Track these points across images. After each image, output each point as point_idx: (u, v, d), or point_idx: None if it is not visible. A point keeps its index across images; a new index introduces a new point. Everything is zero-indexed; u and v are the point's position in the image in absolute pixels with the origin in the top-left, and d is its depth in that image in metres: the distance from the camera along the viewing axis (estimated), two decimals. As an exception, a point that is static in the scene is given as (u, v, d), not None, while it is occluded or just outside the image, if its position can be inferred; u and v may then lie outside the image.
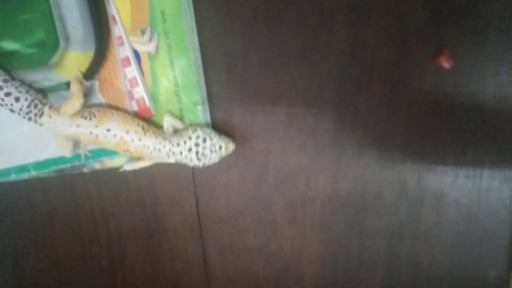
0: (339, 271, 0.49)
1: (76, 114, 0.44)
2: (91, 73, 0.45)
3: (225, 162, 0.48)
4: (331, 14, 0.43)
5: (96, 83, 0.47)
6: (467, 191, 0.44)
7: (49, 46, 0.42)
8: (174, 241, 0.52)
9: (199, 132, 0.43)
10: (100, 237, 0.53)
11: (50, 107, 0.44)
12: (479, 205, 0.44)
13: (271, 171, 0.48)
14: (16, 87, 0.43)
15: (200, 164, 0.44)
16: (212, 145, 0.43)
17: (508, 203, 0.44)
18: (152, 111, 0.47)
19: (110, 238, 0.53)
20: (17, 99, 0.43)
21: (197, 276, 0.52)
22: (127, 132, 0.44)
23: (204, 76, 0.47)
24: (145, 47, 0.46)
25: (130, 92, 0.47)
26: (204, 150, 0.43)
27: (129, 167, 0.47)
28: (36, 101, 0.43)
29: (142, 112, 0.47)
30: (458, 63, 0.42)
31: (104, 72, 0.47)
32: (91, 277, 0.54)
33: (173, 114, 0.46)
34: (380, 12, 0.42)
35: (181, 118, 0.47)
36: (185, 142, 0.43)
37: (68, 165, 0.49)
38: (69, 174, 0.50)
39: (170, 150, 0.44)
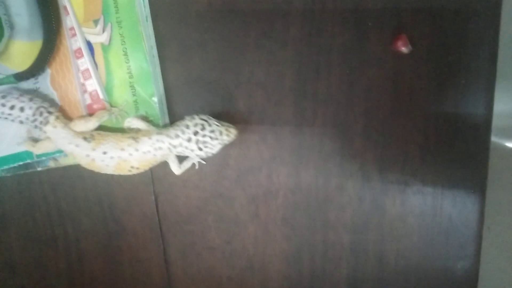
0: (304, 268, 0.47)
1: (80, 133, 0.43)
2: (40, 64, 0.43)
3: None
4: (287, 0, 0.42)
5: (47, 76, 0.45)
6: (430, 180, 0.43)
7: (-7, 36, 0.40)
8: (134, 242, 0.50)
9: (197, 119, 0.41)
10: (57, 239, 0.51)
11: (57, 118, 0.43)
12: (444, 195, 0.43)
13: (231, 165, 0.46)
14: (17, 98, 0.43)
15: (203, 153, 0.41)
16: (212, 131, 0.40)
17: (473, 191, 0.42)
18: (106, 104, 0.45)
19: (68, 240, 0.51)
20: (22, 109, 0.42)
21: (158, 277, 0.50)
22: (122, 149, 0.42)
23: (160, 67, 0.45)
24: (98, 38, 0.45)
25: (83, 85, 0.45)
26: (204, 137, 0.40)
27: (178, 171, 0.45)
28: (42, 109, 0.43)
29: (95, 104, 0.45)
30: (416, 47, 0.41)
31: (55, 64, 0.45)
32: (48, 282, 0.52)
33: (138, 117, 0.44)
34: (336, -3, 0.41)
35: (136, 110, 0.45)
36: (183, 132, 0.41)
37: (21, 163, 0.47)
38: (23, 174, 0.48)
39: (170, 143, 0.41)
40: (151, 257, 0.49)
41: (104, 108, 0.45)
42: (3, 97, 0.43)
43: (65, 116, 0.44)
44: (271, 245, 0.47)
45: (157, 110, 0.45)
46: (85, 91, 0.45)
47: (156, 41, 0.45)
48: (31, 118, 0.43)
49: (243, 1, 0.43)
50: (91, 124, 0.43)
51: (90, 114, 0.45)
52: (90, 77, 0.45)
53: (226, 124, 0.41)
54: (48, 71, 0.45)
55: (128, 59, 0.44)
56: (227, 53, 0.44)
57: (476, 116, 0.42)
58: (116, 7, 0.44)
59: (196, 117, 0.41)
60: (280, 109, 0.44)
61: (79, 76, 0.45)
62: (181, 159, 0.44)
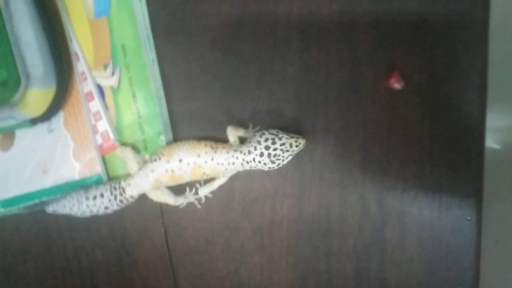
0: (309, 296, 0.48)
1: (144, 163, 0.46)
2: (54, 108, 0.46)
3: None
4: (285, 41, 0.45)
5: (61, 118, 0.48)
6: (428, 209, 0.45)
7: (11, 85, 0.43)
8: (145, 273, 0.52)
9: (267, 135, 0.43)
10: (72, 271, 0.53)
11: (124, 180, 0.46)
12: (442, 222, 0.45)
13: (237, 197, 0.48)
14: (95, 189, 0.47)
15: (275, 166, 0.43)
16: (282, 144, 0.42)
17: (469, 218, 0.44)
18: (117, 144, 0.48)
19: (82, 272, 0.53)
20: (102, 195, 0.46)
21: (169, 307, 0.51)
22: (199, 156, 0.44)
23: (167, 106, 0.48)
24: (108, 81, 0.47)
25: (95, 126, 0.48)
26: (275, 151, 0.42)
27: (205, 191, 0.48)
28: (112, 184, 0.46)
29: (106, 144, 0.48)
30: (409, 82, 0.43)
31: (68, 107, 0.48)
32: (64, 313, 0.54)
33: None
34: (331, 38, 0.44)
35: (145, 149, 0.48)
36: (255, 148, 0.43)
37: (37, 201, 0.50)
38: (40, 210, 0.51)
39: (243, 160, 0.43)
40: (162, 287, 0.51)
41: (114, 148, 0.48)
42: (86, 191, 0.47)
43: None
44: (276, 274, 0.49)
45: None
46: (96, 132, 0.48)
47: (162, 82, 0.48)
48: (111, 197, 0.46)
49: (244, 42, 0.45)
50: (133, 161, 0.47)
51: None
52: (101, 118, 0.48)
53: (295, 135, 0.43)
54: (61, 113, 0.48)
55: (136, 101, 0.47)
56: (229, 92, 0.46)
57: (469, 146, 0.43)
58: (124, 52, 0.47)
59: (266, 132, 0.43)
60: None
61: (91, 118, 0.48)
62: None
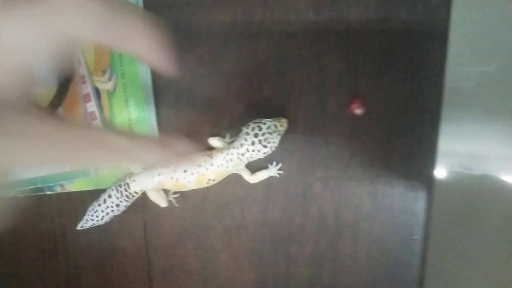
0: (267, 295, 0.53)
1: (155, 166, 0.50)
2: (53, 106, 0.51)
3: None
4: (264, 63, 0.50)
5: (60, 115, 0.54)
6: (379, 225, 0.49)
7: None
8: (124, 261, 0.57)
9: (252, 125, 0.46)
10: (58, 254, 0.59)
11: (129, 176, 0.51)
12: (391, 238, 0.49)
13: (210, 200, 0.53)
14: (102, 194, 0.52)
15: (269, 149, 0.46)
16: (268, 127, 0.45)
17: (416, 237, 0.48)
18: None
19: (68, 255, 0.58)
20: (109, 196, 0.52)
21: (142, 294, 0.56)
22: (199, 165, 0.49)
23: (156, 112, 0.53)
24: (105, 85, 0.53)
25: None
26: (264, 135, 0.45)
27: (254, 180, 0.51)
28: (117, 183, 0.52)
29: (98, 142, 0.53)
30: (368, 110, 0.47)
31: (67, 105, 0.53)
32: (48, 292, 0.59)
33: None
34: (304, 63, 0.49)
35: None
36: (245, 140, 0.46)
37: (32, 187, 0.55)
38: (34, 195, 0.56)
39: (238, 153, 0.47)
40: (137, 275, 0.56)
41: (105, 145, 0.53)
42: (96, 200, 0.53)
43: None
44: (240, 273, 0.53)
45: (149, 149, 0.53)
46: (90, 129, 0.53)
47: (153, 90, 0.53)
48: (118, 194, 0.51)
49: (227, 61, 0.51)
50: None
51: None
52: (96, 118, 0.53)
53: (276, 118, 0.47)
54: (61, 110, 0.54)
55: (128, 105, 0.53)
56: (211, 105, 0.52)
57: (421, 169, 0.48)
58: (121, 61, 0.52)
59: (250, 123, 0.47)
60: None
61: (87, 117, 0.53)
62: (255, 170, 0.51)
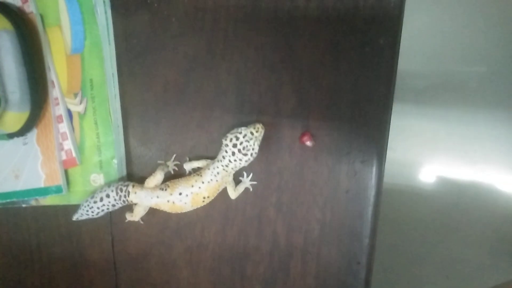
0: (224, 310, 0.56)
1: (155, 187, 0.53)
2: (27, 127, 0.55)
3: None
4: (224, 93, 0.53)
5: (34, 134, 0.57)
6: (327, 249, 0.52)
7: (-9, 107, 0.52)
8: (93, 272, 0.60)
9: (229, 136, 0.48)
10: (34, 264, 0.62)
11: (133, 186, 0.53)
12: (337, 263, 0.52)
13: (173, 218, 0.56)
14: (100, 191, 0.54)
15: (250, 157, 0.48)
16: (244, 135, 0.47)
17: (359, 262, 0.51)
18: (78, 161, 0.56)
19: (42, 264, 0.62)
20: (107, 196, 0.54)
21: (109, 304, 0.60)
22: (192, 186, 0.51)
23: (124, 134, 0.56)
24: (76, 107, 0.56)
25: (61, 144, 0.56)
26: (242, 144, 0.47)
27: (234, 195, 0.53)
28: (119, 186, 0.54)
29: (69, 161, 0.57)
30: (318, 142, 0.50)
31: (41, 126, 0.57)
32: (23, 298, 0.63)
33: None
34: (260, 96, 0.52)
35: (100, 168, 0.56)
36: (226, 152, 0.48)
37: (8, 200, 0.58)
38: (12, 207, 0.60)
39: (222, 165, 0.49)
40: (106, 286, 0.60)
41: (76, 165, 0.56)
42: (92, 197, 0.54)
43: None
44: (200, 288, 0.57)
45: (116, 170, 0.56)
46: (62, 149, 0.57)
47: (122, 114, 0.56)
48: (117, 197, 0.53)
49: (190, 89, 0.54)
50: (159, 176, 0.53)
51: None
52: (67, 138, 0.56)
53: (252, 124, 0.49)
54: (35, 130, 0.57)
55: (97, 127, 0.56)
56: (175, 129, 0.55)
57: (366, 198, 0.51)
58: (91, 85, 0.55)
59: (228, 135, 0.49)
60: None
61: (59, 136, 0.57)
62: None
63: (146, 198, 0.52)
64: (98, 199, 0.54)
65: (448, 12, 1.13)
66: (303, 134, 0.50)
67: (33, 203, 0.59)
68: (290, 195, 0.52)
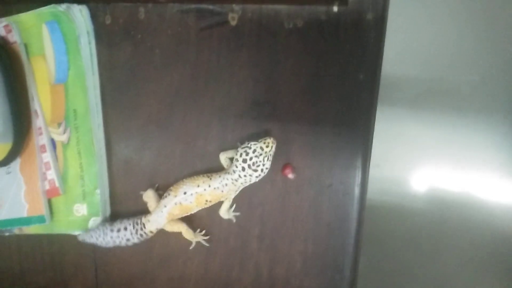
0: None
1: (158, 203, 0.53)
2: (10, 158, 0.55)
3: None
4: (207, 124, 0.53)
5: (18, 164, 0.57)
6: (309, 281, 0.52)
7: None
8: (76, 302, 0.60)
9: (240, 150, 0.47)
10: (16, 291, 0.62)
11: (145, 216, 0.53)
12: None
13: (156, 250, 0.56)
14: (120, 222, 0.54)
15: (260, 173, 0.47)
16: (254, 151, 0.46)
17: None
18: (61, 191, 0.56)
19: (25, 293, 0.62)
20: (125, 228, 0.53)
21: (91, 334, 0.59)
22: (198, 186, 0.50)
23: (107, 163, 0.56)
24: (60, 137, 0.56)
25: (44, 174, 0.56)
26: (251, 160, 0.46)
27: (225, 215, 0.52)
28: (135, 219, 0.53)
29: (52, 190, 0.56)
30: (300, 175, 0.51)
31: (25, 155, 0.57)
32: (5, 327, 0.62)
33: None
34: (243, 128, 0.52)
35: (83, 198, 0.56)
36: (236, 166, 0.48)
37: (-8, 229, 0.58)
38: (-6, 235, 0.59)
39: (232, 179, 0.49)
40: (89, 316, 0.60)
41: (59, 194, 0.56)
42: (111, 224, 0.54)
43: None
44: (182, 320, 0.56)
45: (99, 201, 0.56)
46: (45, 179, 0.57)
47: (105, 144, 0.56)
48: (134, 231, 0.53)
49: (174, 120, 0.54)
50: (149, 193, 0.54)
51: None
52: (50, 168, 0.56)
53: (263, 138, 0.47)
54: (19, 160, 0.57)
55: (81, 157, 0.56)
56: (159, 161, 0.55)
57: (348, 229, 0.51)
58: (75, 115, 0.55)
59: (239, 149, 0.48)
60: (196, 213, 0.54)
61: (42, 166, 0.56)
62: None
63: (159, 217, 0.52)
64: (115, 229, 0.53)
65: (440, 18, 1.13)
66: (284, 167, 0.50)
67: (16, 231, 0.59)
68: (272, 227, 0.52)
